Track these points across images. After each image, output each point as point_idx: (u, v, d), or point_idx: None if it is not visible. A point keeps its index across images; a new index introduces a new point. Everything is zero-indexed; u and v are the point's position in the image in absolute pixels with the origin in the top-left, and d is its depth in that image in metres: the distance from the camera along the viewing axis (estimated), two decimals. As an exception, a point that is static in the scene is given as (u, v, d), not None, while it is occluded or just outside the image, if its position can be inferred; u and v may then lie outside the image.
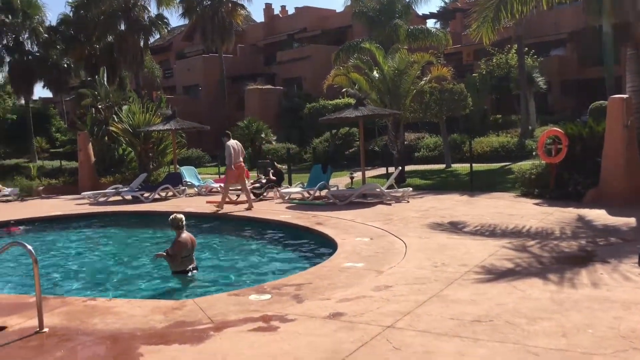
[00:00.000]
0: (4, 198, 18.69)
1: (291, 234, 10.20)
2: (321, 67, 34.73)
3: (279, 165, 17.49)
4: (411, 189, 13.88)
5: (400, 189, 13.56)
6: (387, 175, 17.00)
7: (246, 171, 18.44)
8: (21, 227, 12.36)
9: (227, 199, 13.37)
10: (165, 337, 4.52)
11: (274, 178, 15.18)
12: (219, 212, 12.72)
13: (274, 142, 31.20)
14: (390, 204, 12.42)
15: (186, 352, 4.20)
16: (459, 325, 4.52)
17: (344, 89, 19.26)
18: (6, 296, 6.29)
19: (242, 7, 37.51)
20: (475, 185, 14.60)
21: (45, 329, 4.79)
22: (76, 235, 12.04)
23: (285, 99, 36.71)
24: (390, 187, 13.64)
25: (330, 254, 7.70)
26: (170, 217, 7.52)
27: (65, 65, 37.73)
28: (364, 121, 14.55)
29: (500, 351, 3.99)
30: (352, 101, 23.38)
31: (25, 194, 19.22)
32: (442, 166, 21.47)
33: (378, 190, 13.12)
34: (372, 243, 8.08)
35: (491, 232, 8.66)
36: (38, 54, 35.55)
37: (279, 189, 15.06)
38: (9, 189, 19.24)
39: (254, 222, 11.46)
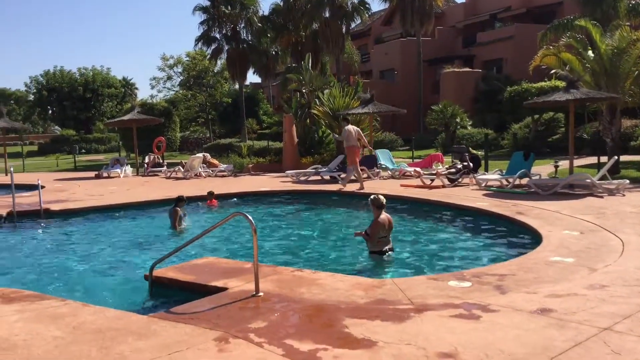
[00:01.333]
0: (221, 173, 20.86)
1: (489, 222, 9.83)
2: (525, 47, 32.70)
3: (473, 151, 16.98)
4: (628, 181, 12.47)
5: (615, 181, 12.27)
6: (597, 165, 15.49)
7: (440, 155, 18.34)
8: (228, 201, 13.59)
9: (421, 183, 13.76)
10: (368, 313, 4.67)
11: (470, 164, 14.74)
12: (361, 190, 13.88)
13: (469, 127, 30.29)
14: (602, 197, 11.32)
15: (388, 329, 4.29)
16: (693, 337, 3.97)
17: (552, 71, 17.89)
18: (226, 261, 7.01)
19: (444, -12, 36.83)
20: None
21: (261, 293, 5.25)
22: (280, 210, 12.99)
23: (483, 82, 35.34)
24: (603, 178, 12.41)
25: (534, 246, 7.27)
26: (371, 196, 7.71)
27: (274, 53, 40.60)
28: (574, 106, 13.42)
29: None
30: (560, 84, 21.68)
31: (238, 171, 21.25)
32: (666, 157, 18.98)
33: (588, 181, 12.03)
34: (583, 237, 7.45)
35: None
36: (251, 42, 38.75)
37: (475, 175, 14.60)
38: (225, 165, 21.43)
39: (450, 207, 11.26)
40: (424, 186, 14.20)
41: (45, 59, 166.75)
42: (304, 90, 24.19)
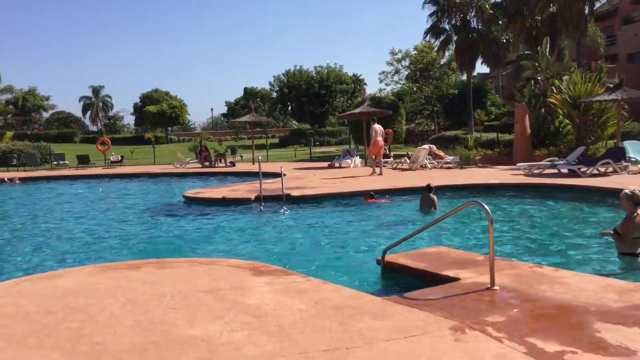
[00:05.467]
0: (446, 165, 20.62)
1: None
2: None
3: None
4: None
5: None
6: None
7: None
8: (384, 199, 12.99)
9: None
10: (623, 318, 4.13)
11: None
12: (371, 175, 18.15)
13: None
14: None
15: (650, 340, 3.74)
16: None
17: None
18: (457, 251, 6.85)
19: None
20: None
21: (496, 287, 5.00)
22: (512, 204, 12.32)
23: None
24: None
25: None
26: (625, 191, 6.84)
27: (504, 40, 38.70)
28: None
29: None
30: None
31: (464, 163, 20.77)
32: None
33: None
34: None
35: None
36: (481, 31, 37.48)
37: None
38: (451, 157, 21.13)
39: None
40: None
41: (287, 59, 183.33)
42: (539, 78, 22.66)
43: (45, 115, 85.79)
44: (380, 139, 18.67)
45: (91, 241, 9.84)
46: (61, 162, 30.32)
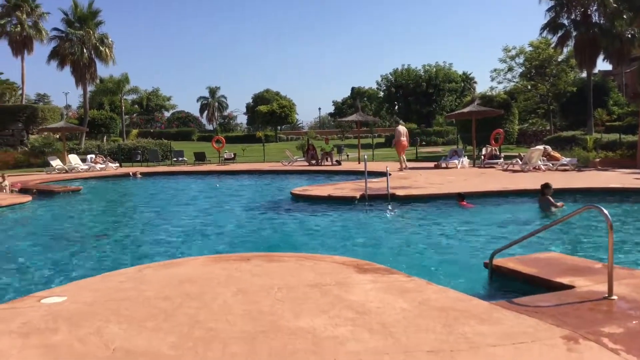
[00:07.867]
0: (562, 167, 19.56)
1: None
2: None
3: None
4: None
5: None
6: None
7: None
8: (472, 204, 12.18)
9: None
10: None
11: None
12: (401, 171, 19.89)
13: None
14: None
15: None
16: None
17: None
18: (572, 258, 6.51)
19: None
20: None
21: (614, 297, 4.71)
22: (634, 210, 11.47)
23: None
24: None
25: None
26: None
27: (629, 36, 35.95)
28: None
29: None
30: None
31: (582, 165, 19.61)
32: None
33: None
34: None
35: None
36: (603, 26, 35.10)
37: None
38: (567, 159, 20.01)
39: None
40: None
41: (396, 58, 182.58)
42: (669, 75, 20.82)
43: (167, 114, 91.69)
44: (403, 138, 20.81)
45: (206, 232, 10.41)
46: (180, 158, 32.17)
